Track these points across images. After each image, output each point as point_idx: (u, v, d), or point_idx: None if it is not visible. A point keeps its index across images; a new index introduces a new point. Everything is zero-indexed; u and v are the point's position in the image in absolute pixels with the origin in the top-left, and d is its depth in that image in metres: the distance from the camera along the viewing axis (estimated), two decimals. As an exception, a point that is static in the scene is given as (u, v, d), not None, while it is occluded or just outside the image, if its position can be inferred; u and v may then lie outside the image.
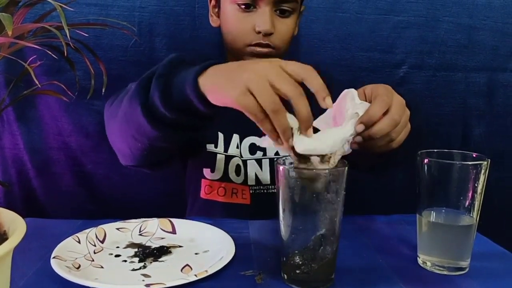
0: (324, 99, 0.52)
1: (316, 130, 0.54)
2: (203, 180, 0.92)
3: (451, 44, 1.18)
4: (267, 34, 0.85)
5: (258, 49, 0.87)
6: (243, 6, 0.85)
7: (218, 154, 0.91)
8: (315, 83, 0.52)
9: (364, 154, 0.60)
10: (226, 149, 0.91)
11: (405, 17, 1.16)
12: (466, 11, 1.17)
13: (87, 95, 0.94)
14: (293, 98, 0.50)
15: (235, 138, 0.92)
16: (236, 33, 0.88)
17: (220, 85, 0.54)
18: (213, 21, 0.95)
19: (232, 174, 0.91)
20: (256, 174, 0.91)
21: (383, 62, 1.17)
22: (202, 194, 0.92)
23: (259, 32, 0.85)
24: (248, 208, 0.90)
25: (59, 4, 0.69)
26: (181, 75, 0.58)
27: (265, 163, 0.92)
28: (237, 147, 0.91)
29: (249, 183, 0.91)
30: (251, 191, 0.91)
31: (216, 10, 0.93)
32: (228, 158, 0.91)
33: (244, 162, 0.91)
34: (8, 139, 1.12)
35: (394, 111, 0.58)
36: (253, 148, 0.92)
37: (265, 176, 0.92)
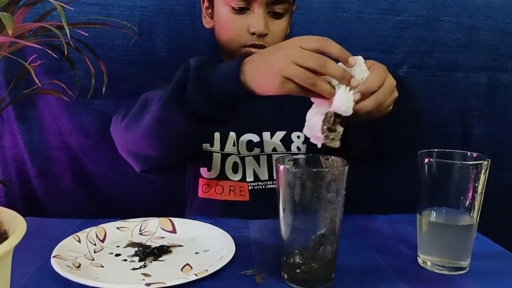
0: (347, 60, 0.58)
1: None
2: (200, 179, 0.92)
3: (452, 44, 1.18)
4: (261, 35, 0.87)
5: (253, 50, 0.88)
6: (237, 9, 0.86)
7: (214, 153, 0.91)
8: (334, 50, 0.58)
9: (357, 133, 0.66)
10: (222, 148, 0.92)
11: (406, 17, 1.16)
12: (466, 11, 1.17)
13: (87, 95, 0.94)
14: (321, 67, 0.56)
15: (232, 135, 0.92)
16: (230, 34, 0.89)
17: (260, 80, 0.60)
18: (207, 22, 0.96)
19: (229, 172, 0.91)
20: (254, 171, 0.92)
21: (384, 62, 1.14)
22: (200, 193, 0.92)
23: (253, 33, 0.87)
24: (247, 205, 0.90)
25: (60, 3, 0.69)
26: (218, 75, 0.63)
27: (263, 159, 0.92)
28: (234, 145, 0.92)
29: (247, 179, 0.92)
30: (249, 188, 0.92)
31: (210, 11, 0.94)
32: (225, 156, 0.92)
33: (242, 159, 0.92)
34: (8, 138, 1.12)
35: (381, 92, 0.59)
36: (250, 145, 0.93)
37: (263, 172, 0.92)
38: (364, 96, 0.58)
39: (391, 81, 0.62)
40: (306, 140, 0.95)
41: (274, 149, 0.93)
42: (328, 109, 0.57)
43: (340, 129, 0.57)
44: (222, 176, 0.91)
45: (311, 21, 1.14)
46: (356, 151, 0.77)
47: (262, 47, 0.88)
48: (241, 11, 0.87)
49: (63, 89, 0.97)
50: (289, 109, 0.95)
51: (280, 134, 0.94)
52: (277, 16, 0.89)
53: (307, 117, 0.60)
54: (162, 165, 0.85)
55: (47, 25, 0.73)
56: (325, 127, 0.56)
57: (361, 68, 0.59)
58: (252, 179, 0.92)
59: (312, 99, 0.60)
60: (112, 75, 0.97)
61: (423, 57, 1.18)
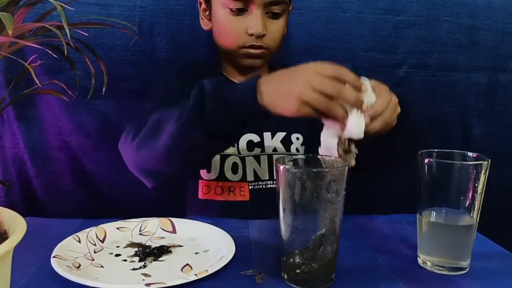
0: (361, 88, 0.62)
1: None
2: (200, 181, 0.93)
3: (452, 44, 1.18)
4: (260, 36, 0.88)
5: (252, 50, 0.90)
6: (235, 10, 0.87)
7: None
8: (350, 78, 0.62)
9: None
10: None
11: (406, 17, 1.16)
12: (466, 11, 1.17)
13: (87, 95, 0.94)
14: (338, 94, 0.60)
15: None
16: (229, 36, 0.91)
17: (278, 102, 0.63)
18: (204, 24, 0.97)
19: (228, 173, 0.92)
20: (254, 170, 0.93)
21: (384, 62, 1.17)
22: (200, 195, 0.93)
23: (251, 35, 0.88)
24: (247, 205, 0.91)
25: (60, 3, 0.68)
26: (237, 97, 0.66)
27: (263, 159, 0.93)
28: (233, 145, 0.92)
29: (248, 179, 0.92)
30: (250, 187, 0.92)
31: (207, 13, 0.95)
32: (224, 157, 0.92)
33: (242, 159, 0.92)
34: (8, 138, 1.12)
35: (387, 113, 0.64)
36: (251, 145, 0.93)
37: (264, 172, 0.93)
38: (373, 119, 0.62)
39: (394, 101, 0.67)
40: (305, 142, 0.96)
41: (275, 150, 0.93)
42: (339, 130, 0.61)
43: (354, 150, 0.62)
44: (221, 177, 0.92)
45: (311, 21, 1.14)
46: (363, 163, 0.77)
47: (260, 47, 0.89)
48: (239, 12, 0.87)
49: (63, 89, 0.97)
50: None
51: (280, 135, 0.94)
52: (274, 16, 0.90)
53: (322, 139, 0.63)
54: (176, 181, 0.89)
55: (47, 25, 0.73)
56: (340, 150, 0.61)
57: (367, 92, 0.63)
58: (252, 179, 0.92)
59: (324, 120, 0.63)
60: (112, 75, 0.97)
61: (423, 57, 1.18)
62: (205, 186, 0.93)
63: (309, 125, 0.96)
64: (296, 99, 0.60)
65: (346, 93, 0.60)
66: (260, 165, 0.93)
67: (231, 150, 0.92)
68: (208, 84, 0.68)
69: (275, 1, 0.88)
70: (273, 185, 0.92)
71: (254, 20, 0.87)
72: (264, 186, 0.93)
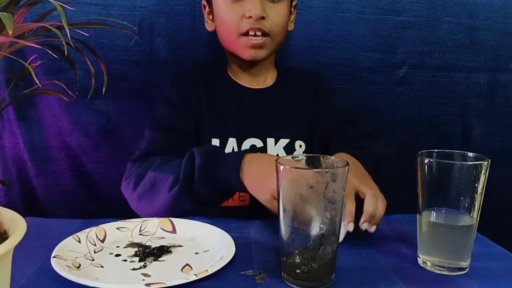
0: (348, 223, 0.65)
1: None
2: None
3: (452, 44, 1.18)
4: (259, 19, 0.87)
5: (253, 39, 0.89)
6: None
7: None
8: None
9: None
10: None
11: (406, 17, 1.16)
12: (466, 11, 1.17)
13: (87, 95, 0.94)
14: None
15: (231, 142, 0.93)
16: (228, 24, 0.90)
17: (254, 188, 0.73)
18: (209, 26, 0.98)
19: None
20: None
21: (384, 62, 1.17)
22: None
23: (250, 17, 0.87)
24: (248, 210, 0.90)
25: (60, 3, 0.68)
26: (222, 174, 0.74)
27: None
28: (233, 151, 0.92)
29: None
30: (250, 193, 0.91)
31: (211, 16, 0.96)
32: None
33: None
34: (8, 138, 1.12)
35: (378, 217, 0.68)
36: (253, 150, 0.93)
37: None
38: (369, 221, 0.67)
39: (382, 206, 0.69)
40: (307, 149, 0.96)
41: (277, 156, 0.92)
42: None
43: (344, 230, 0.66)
44: None
45: (311, 22, 1.14)
46: None
47: (260, 31, 0.88)
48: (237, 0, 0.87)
49: (63, 89, 0.97)
50: (293, 118, 0.97)
51: (283, 142, 0.94)
52: (275, 1, 0.89)
53: None
54: None
55: (47, 25, 0.73)
56: None
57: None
58: None
59: None
60: (112, 75, 0.97)
61: (423, 57, 1.18)
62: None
63: (313, 133, 0.97)
64: (268, 192, 0.68)
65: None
66: None
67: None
68: (198, 155, 0.76)
69: None
70: None
71: (252, 3, 0.86)
72: None
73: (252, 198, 0.90)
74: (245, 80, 0.99)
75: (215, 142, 0.93)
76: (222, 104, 0.96)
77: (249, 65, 0.97)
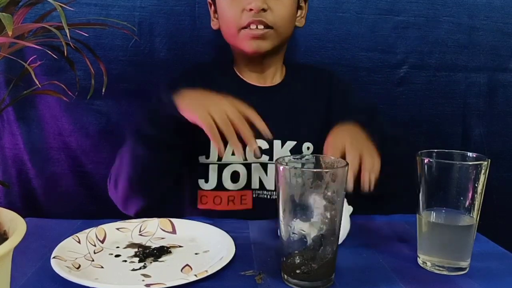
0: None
1: None
2: (199, 191, 0.91)
3: (451, 44, 1.18)
4: (260, 11, 0.84)
5: (254, 31, 0.86)
6: None
7: (210, 164, 0.89)
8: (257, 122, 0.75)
9: None
10: (220, 158, 0.89)
11: (405, 17, 1.16)
12: (466, 11, 1.17)
13: (87, 95, 0.94)
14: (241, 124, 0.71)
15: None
16: (229, 18, 0.88)
17: (190, 106, 0.73)
18: (214, 24, 0.96)
19: (226, 183, 0.89)
20: (260, 179, 0.90)
21: (384, 62, 1.17)
22: (199, 205, 0.91)
23: (250, 10, 0.84)
24: (250, 214, 0.87)
25: (59, 4, 0.68)
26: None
27: (271, 168, 0.90)
28: (233, 154, 0.88)
29: (252, 187, 0.90)
30: (254, 195, 0.90)
31: (216, 14, 0.94)
32: (222, 167, 0.89)
33: (248, 165, 0.90)
34: (8, 139, 1.12)
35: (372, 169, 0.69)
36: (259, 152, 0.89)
37: (270, 181, 0.90)
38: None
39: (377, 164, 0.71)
40: (315, 151, 0.92)
41: None
42: None
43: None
44: (219, 187, 0.89)
45: (311, 22, 1.14)
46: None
47: (261, 24, 0.85)
48: None
49: (63, 90, 0.97)
50: (301, 118, 0.94)
51: (290, 144, 0.91)
52: None
53: None
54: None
55: (47, 25, 0.73)
56: None
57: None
58: (257, 187, 0.90)
59: None
60: (112, 75, 0.97)
61: (423, 57, 1.18)
62: (203, 196, 0.90)
63: (320, 134, 0.92)
64: (206, 110, 0.70)
65: (243, 128, 0.70)
66: (266, 174, 0.90)
67: (230, 158, 0.89)
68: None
69: None
70: None
71: None
72: (268, 196, 0.90)
73: (255, 201, 0.90)
74: (251, 78, 0.96)
75: (213, 146, 0.89)
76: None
77: (255, 62, 0.93)
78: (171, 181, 0.87)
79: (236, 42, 0.90)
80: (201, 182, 0.91)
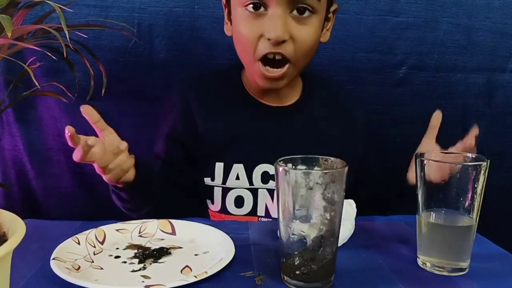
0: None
1: None
2: (209, 210, 0.89)
3: (451, 45, 1.18)
4: (279, 43, 0.72)
5: (269, 73, 0.75)
6: (251, 6, 0.73)
7: (215, 187, 0.86)
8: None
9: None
10: (224, 181, 0.85)
11: (405, 18, 1.16)
12: (465, 12, 1.17)
13: (86, 96, 0.94)
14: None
15: (237, 167, 0.84)
16: (243, 42, 0.76)
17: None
18: (227, 29, 0.85)
19: (230, 207, 0.86)
20: (266, 205, 0.86)
21: (383, 63, 1.17)
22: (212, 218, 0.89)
23: (268, 39, 0.72)
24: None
25: (59, 5, 0.69)
26: None
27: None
28: (238, 178, 0.84)
29: (258, 213, 0.86)
30: None
31: (230, 16, 0.83)
32: (226, 191, 0.86)
33: (254, 191, 0.85)
34: (7, 140, 1.12)
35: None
36: (265, 177, 0.84)
37: (276, 208, 0.87)
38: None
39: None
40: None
41: None
42: None
43: None
44: (224, 210, 0.87)
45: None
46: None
47: (280, 55, 0.74)
48: (255, 10, 0.73)
49: (62, 91, 0.97)
50: (313, 144, 0.86)
51: (301, 168, 0.87)
52: (303, 17, 0.73)
53: None
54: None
55: (46, 27, 0.73)
56: None
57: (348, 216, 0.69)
58: (263, 214, 0.86)
59: None
60: (112, 76, 0.97)
61: (422, 58, 1.18)
62: (212, 215, 0.88)
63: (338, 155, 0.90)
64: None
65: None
66: (272, 201, 0.85)
67: (233, 183, 0.84)
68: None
69: None
70: None
71: (272, 21, 0.71)
72: None
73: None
74: (264, 96, 0.86)
75: (219, 167, 0.84)
76: (230, 126, 0.86)
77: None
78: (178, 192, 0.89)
79: (249, 71, 0.81)
80: (208, 202, 0.89)
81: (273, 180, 0.83)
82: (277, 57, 0.75)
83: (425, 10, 1.16)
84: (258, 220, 0.86)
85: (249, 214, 0.86)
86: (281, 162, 0.57)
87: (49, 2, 0.70)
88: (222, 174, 0.85)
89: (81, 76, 1.01)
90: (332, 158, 0.58)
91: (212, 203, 0.88)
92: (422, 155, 0.61)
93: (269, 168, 0.84)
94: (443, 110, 1.23)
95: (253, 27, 0.74)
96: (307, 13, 0.74)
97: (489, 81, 1.22)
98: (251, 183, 0.85)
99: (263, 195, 0.86)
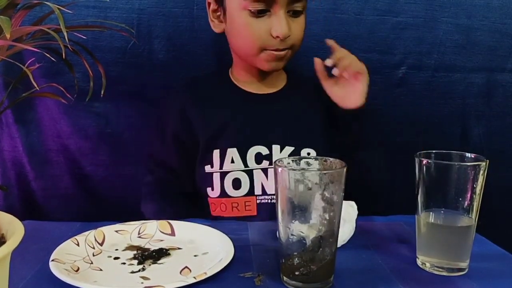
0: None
1: None
2: (209, 198, 0.93)
3: (450, 44, 1.18)
4: (286, 38, 0.85)
5: (276, 53, 0.87)
6: (255, 12, 0.84)
7: (214, 173, 0.91)
8: None
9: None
10: (221, 166, 0.91)
11: (404, 18, 1.16)
12: (464, 11, 1.17)
13: (86, 97, 0.94)
14: None
15: (231, 151, 0.91)
16: (250, 39, 0.86)
17: None
18: (215, 26, 0.93)
19: (229, 190, 0.91)
20: (262, 184, 0.91)
21: (382, 63, 1.17)
22: (212, 212, 0.93)
23: (277, 37, 0.84)
24: (255, 220, 0.88)
25: (58, 6, 0.68)
26: None
27: (271, 172, 0.90)
28: (232, 161, 0.91)
29: (255, 193, 0.91)
30: (257, 201, 0.91)
31: (219, 14, 0.91)
32: (223, 175, 0.91)
33: (250, 172, 0.91)
34: (7, 141, 1.12)
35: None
36: (259, 158, 0.91)
37: (271, 186, 0.91)
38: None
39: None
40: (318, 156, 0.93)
41: None
42: None
43: None
44: (223, 194, 0.91)
45: (310, 23, 1.13)
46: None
47: (285, 50, 0.87)
48: (260, 13, 0.84)
49: (61, 92, 0.97)
50: (300, 125, 0.95)
51: (288, 150, 0.92)
52: (296, 14, 0.87)
53: None
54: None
55: (45, 28, 0.73)
56: None
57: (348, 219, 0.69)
58: (260, 193, 0.91)
59: None
60: (111, 77, 0.97)
61: (421, 58, 1.18)
62: (212, 203, 0.93)
63: (321, 140, 0.94)
64: None
65: None
66: (267, 179, 0.91)
67: (229, 166, 0.91)
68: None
69: None
70: None
71: (279, 22, 0.83)
72: (270, 201, 0.91)
73: (259, 207, 0.91)
74: (252, 86, 0.97)
75: (216, 154, 0.91)
76: (222, 115, 0.94)
77: (260, 72, 0.94)
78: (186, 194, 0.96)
79: (253, 60, 0.90)
80: (209, 190, 0.92)
81: (266, 160, 0.91)
82: (283, 50, 0.88)
83: (424, 10, 1.16)
84: (256, 198, 0.91)
85: (247, 194, 0.91)
86: (280, 162, 0.57)
87: (48, 3, 0.70)
88: (219, 160, 0.91)
89: (80, 77, 1.01)
90: (331, 159, 0.59)
91: (212, 189, 0.92)
92: (421, 154, 0.61)
93: (262, 150, 0.91)
94: (443, 110, 1.23)
95: (258, 26, 0.85)
96: (299, 12, 0.88)
97: (489, 81, 1.21)
98: (245, 165, 0.91)
99: (258, 175, 0.91)
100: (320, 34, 1.14)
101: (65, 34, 0.67)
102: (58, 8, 0.67)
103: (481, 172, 0.58)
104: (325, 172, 0.54)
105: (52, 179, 1.14)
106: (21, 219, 0.41)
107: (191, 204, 0.97)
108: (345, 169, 0.54)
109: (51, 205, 1.15)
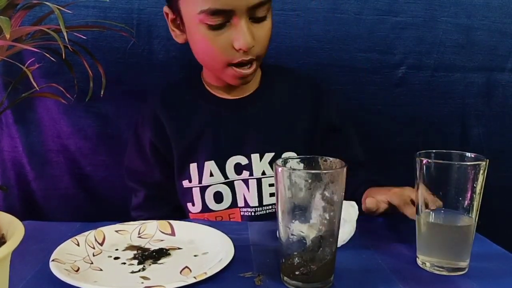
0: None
1: None
2: (190, 214, 0.91)
3: (449, 44, 1.18)
4: (249, 49, 0.78)
5: (243, 71, 0.81)
6: (214, 26, 0.77)
7: (193, 188, 0.89)
8: None
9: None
10: (200, 181, 0.88)
11: (403, 18, 1.16)
12: (464, 11, 1.17)
13: (85, 98, 0.94)
14: None
15: (208, 165, 0.88)
16: (211, 54, 0.81)
17: None
18: (177, 37, 0.87)
19: (211, 203, 0.88)
20: (244, 196, 0.89)
21: (382, 63, 1.17)
22: None
23: (239, 49, 0.78)
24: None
25: (57, 6, 0.68)
26: None
27: (252, 183, 0.88)
28: (211, 175, 0.88)
29: (238, 205, 0.89)
30: (241, 213, 0.89)
31: (178, 23, 0.85)
32: (203, 189, 0.88)
33: (231, 184, 0.88)
34: (7, 141, 1.12)
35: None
36: (238, 168, 0.88)
37: (253, 197, 0.88)
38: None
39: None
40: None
41: (263, 173, 0.88)
42: None
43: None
44: (205, 209, 0.89)
45: (309, 23, 1.14)
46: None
47: (250, 62, 0.81)
48: (219, 26, 0.77)
49: (61, 92, 0.97)
50: (279, 128, 0.91)
51: (268, 156, 0.88)
52: (259, 20, 0.79)
53: None
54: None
55: (45, 28, 0.73)
56: None
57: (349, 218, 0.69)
58: (243, 205, 0.89)
59: None
60: (110, 77, 0.97)
61: (421, 58, 1.18)
62: (194, 219, 0.88)
63: (303, 142, 0.90)
64: None
65: None
66: (248, 190, 0.88)
67: (208, 180, 0.88)
68: None
69: (258, 3, 0.76)
70: (263, 212, 0.88)
71: (240, 33, 0.76)
72: (253, 214, 0.88)
73: (243, 219, 0.89)
74: (223, 91, 0.91)
75: (193, 168, 0.88)
76: (196, 126, 0.90)
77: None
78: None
79: (220, 75, 0.85)
80: (189, 205, 0.90)
81: (246, 170, 0.88)
82: (247, 59, 0.81)
83: (424, 9, 1.16)
84: (240, 210, 0.89)
85: (230, 207, 0.89)
86: (280, 162, 0.57)
87: (48, 3, 0.70)
88: (197, 174, 0.88)
89: (80, 77, 1.01)
90: (331, 158, 0.58)
91: (193, 205, 0.90)
92: (421, 154, 0.61)
93: (241, 160, 0.88)
94: (442, 110, 1.23)
95: (219, 39, 0.78)
96: (262, 18, 0.80)
97: (488, 81, 1.21)
98: (226, 176, 0.88)
99: (239, 186, 0.88)
100: (320, 34, 1.15)
101: (65, 34, 0.67)
102: (58, 8, 0.67)
103: (481, 171, 0.58)
104: (325, 172, 0.54)
105: (52, 179, 1.14)
106: (21, 219, 0.41)
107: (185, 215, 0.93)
108: (345, 169, 0.54)
109: (51, 205, 1.15)
